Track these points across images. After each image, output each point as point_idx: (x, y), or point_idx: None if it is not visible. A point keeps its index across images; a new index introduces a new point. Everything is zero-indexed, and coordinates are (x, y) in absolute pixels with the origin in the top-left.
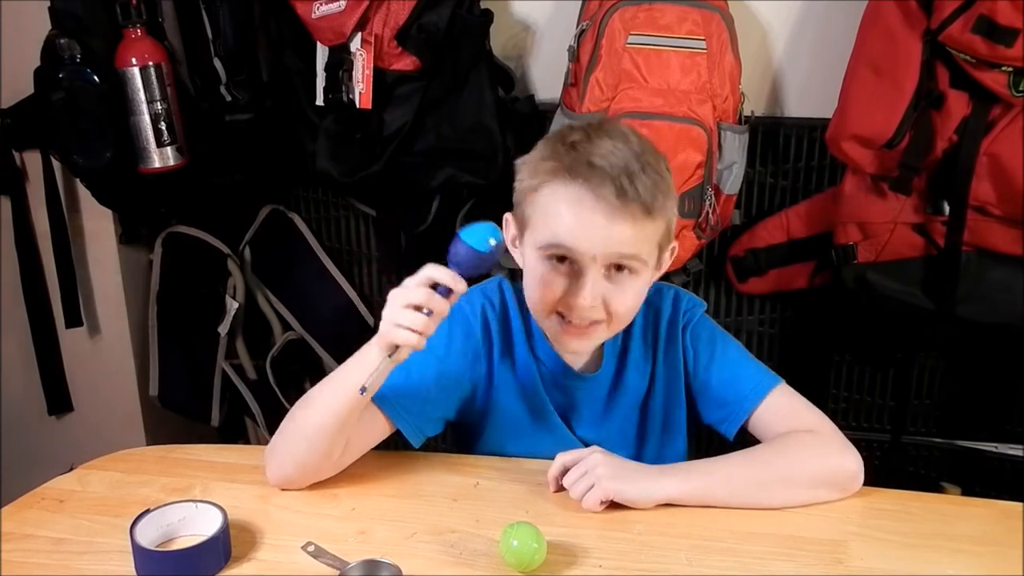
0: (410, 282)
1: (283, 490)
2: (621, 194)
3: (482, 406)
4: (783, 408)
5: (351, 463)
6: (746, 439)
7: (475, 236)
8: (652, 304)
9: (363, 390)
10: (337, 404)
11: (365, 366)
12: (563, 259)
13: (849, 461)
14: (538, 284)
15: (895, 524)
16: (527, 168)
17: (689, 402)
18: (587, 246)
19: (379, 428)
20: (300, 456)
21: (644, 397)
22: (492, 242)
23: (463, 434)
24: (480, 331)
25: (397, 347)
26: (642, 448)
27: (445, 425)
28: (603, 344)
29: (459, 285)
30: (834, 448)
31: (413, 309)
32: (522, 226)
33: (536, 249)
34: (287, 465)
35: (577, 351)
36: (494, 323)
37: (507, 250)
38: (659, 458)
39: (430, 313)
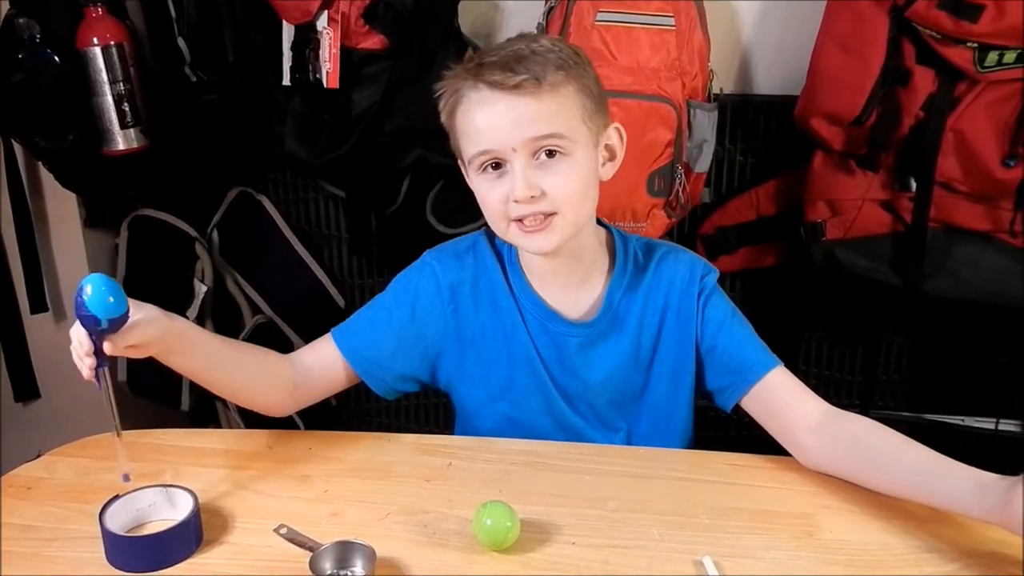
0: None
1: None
2: (508, 74)
3: (459, 364)
4: (783, 388)
5: (316, 402)
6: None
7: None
8: (666, 264)
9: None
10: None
11: None
12: (496, 167)
13: None
14: (485, 201)
15: (864, 496)
16: (441, 100)
17: (695, 366)
18: (501, 137)
19: (343, 370)
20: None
21: (651, 356)
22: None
23: (453, 398)
24: (448, 291)
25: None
26: (640, 409)
27: (420, 386)
28: (603, 294)
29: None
30: None
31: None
32: (461, 158)
33: (469, 169)
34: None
35: (545, 250)
36: (469, 280)
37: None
38: (662, 421)
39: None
